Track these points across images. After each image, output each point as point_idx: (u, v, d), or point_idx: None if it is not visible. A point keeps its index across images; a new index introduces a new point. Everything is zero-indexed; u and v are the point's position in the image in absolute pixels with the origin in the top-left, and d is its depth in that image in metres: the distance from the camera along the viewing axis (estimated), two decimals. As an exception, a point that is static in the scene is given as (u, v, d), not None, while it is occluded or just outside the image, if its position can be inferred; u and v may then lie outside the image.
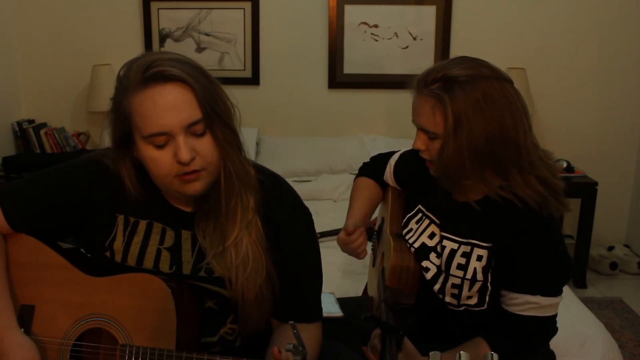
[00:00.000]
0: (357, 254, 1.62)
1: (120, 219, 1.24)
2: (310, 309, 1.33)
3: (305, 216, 1.33)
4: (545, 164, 1.36)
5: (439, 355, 0.87)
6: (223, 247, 1.20)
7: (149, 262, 1.23)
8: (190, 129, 1.12)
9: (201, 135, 1.14)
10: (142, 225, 1.24)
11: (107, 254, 1.23)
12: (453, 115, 1.27)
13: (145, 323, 1.16)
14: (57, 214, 1.25)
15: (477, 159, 1.29)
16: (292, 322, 1.05)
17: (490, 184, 1.34)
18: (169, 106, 1.11)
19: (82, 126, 3.78)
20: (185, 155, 1.11)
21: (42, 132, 3.54)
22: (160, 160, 1.13)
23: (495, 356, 0.85)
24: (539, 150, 1.36)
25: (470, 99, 1.26)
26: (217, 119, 1.15)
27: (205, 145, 1.14)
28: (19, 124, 3.55)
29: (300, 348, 0.99)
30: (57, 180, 1.26)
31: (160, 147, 1.13)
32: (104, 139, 3.62)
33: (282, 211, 1.27)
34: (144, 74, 1.12)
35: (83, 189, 1.24)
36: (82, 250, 1.32)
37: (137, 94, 1.12)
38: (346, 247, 1.62)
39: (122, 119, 1.15)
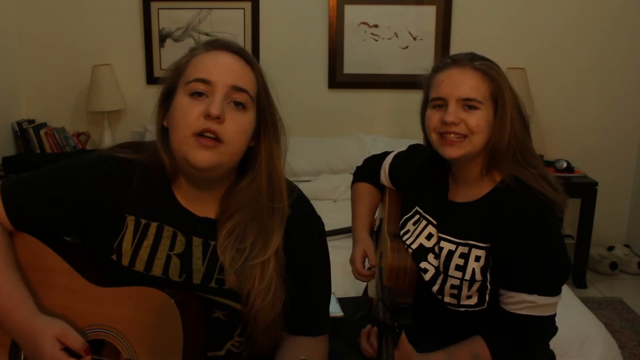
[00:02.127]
0: (362, 281, 1.67)
1: (131, 220, 1.18)
2: (319, 322, 1.30)
3: (319, 227, 1.30)
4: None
5: None
6: (248, 265, 1.15)
7: (157, 269, 1.17)
8: (232, 94, 1.13)
9: (238, 106, 1.13)
10: (153, 228, 1.18)
11: (114, 257, 1.18)
12: (501, 84, 1.37)
13: (150, 338, 1.12)
14: (63, 215, 1.19)
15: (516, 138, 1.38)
16: (304, 358, 1.02)
17: (506, 170, 1.38)
18: (227, 65, 1.15)
19: (82, 126, 3.78)
20: (216, 108, 1.09)
21: (42, 132, 3.54)
22: (189, 110, 1.11)
23: None
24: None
25: (506, 81, 1.39)
26: (266, 109, 1.19)
27: (237, 120, 1.13)
28: (19, 124, 3.55)
29: None
30: (65, 180, 1.19)
31: (196, 94, 1.12)
32: (104, 139, 3.62)
33: (297, 219, 1.22)
34: (218, 41, 1.18)
35: (92, 190, 1.18)
36: (87, 252, 1.25)
37: (202, 53, 1.17)
38: (358, 277, 1.66)
39: (174, 74, 1.18)
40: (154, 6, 3.63)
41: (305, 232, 1.25)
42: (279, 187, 1.20)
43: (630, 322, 3.00)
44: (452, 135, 1.36)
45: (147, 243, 1.18)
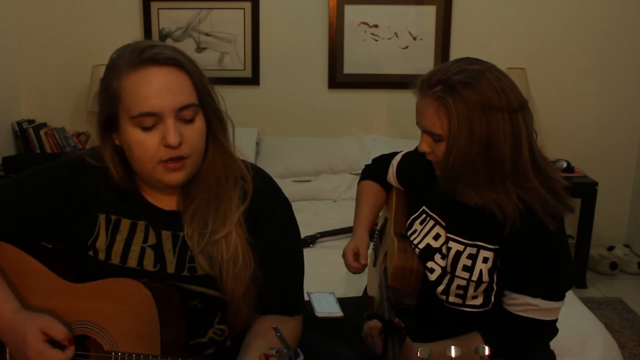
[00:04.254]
0: (352, 272, 1.66)
1: (102, 217, 1.22)
2: (291, 302, 1.31)
3: (285, 206, 1.32)
4: (546, 176, 1.34)
5: (428, 350, 0.88)
6: (212, 241, 1.19)
7: (132, 260, 1.20)
8: (180, 114, 1.12)
9: (189, 121, 1.14)
10: (125, 223, 1.22)
11: (91, 253, 1.21)
12: (458, 117, 1.27)
13: (128, 328, 1.14)
14: (38, 217, 1.22)
15: (477, 164, 1.30)
16: (275, 326, 1.03)
17: (485, 194, 1.34)
18: (164, 87, 1.11)
19: (82, 126, 3.78)
20: (174, 138, 1.10)
21: (42, 132, 3.54)
22: (146, 143, 1.12)
23: (486, 349, 0.85)
24: (542, 163, 1.35)
25: (473, 102, 1.27)
26: (209, 107, 1.18)
27: (193, 132, 1.14)
28: (19, 124, 3.55)
29: (285, 350, 0.96)
30: (37, 183, 1.23)
31: (147, 129, 1.11)
32: (104, 139, 3.62)
33: (262, 201, 1.26)
34: (141, 55, 1.12)
35: (63, 190, 1.22)
36: (62, 251, 1.28)
37: (130, 74, 1.12)
38: (348, 268, 1.65)
39: (110, 100, 1.14)
40: (154, 6, 3.63)
41: (269, 208, 1.27)
42: (233, 171, 1.23)
43: (630, 322, 3.00)
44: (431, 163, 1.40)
45: (121, 237, 1.22)
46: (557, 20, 3.63)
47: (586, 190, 3.36)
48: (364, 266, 1.63)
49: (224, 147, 1.22)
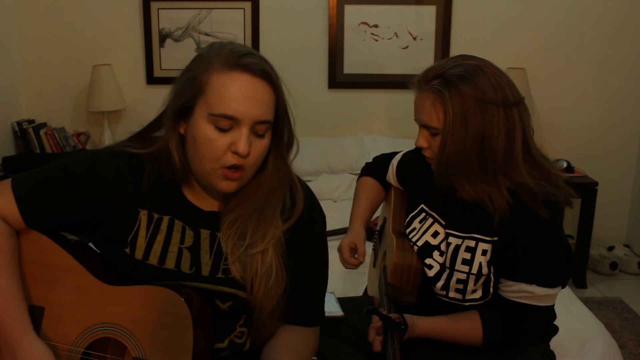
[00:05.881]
0: (346, 268, 1.68)
1: (143, 214, 1.20)
2: (315, 313, 1.32)
3: (321, 219, 1.33)
4: (545, 169, 1.36)
5: None
6: (249, 254, 1.19)
7: (170, 262, 1.19)
8: (255, 127, 1.14)
9: (259, 136, 1.16)
10: (165, 222, 1.21)
11: (127, 250, 1.19)
12: (453, 110, 1.29)
13: (160, 338, 1.12)
14: (75, 209, 1.19)
15: (471, 157, 1.32)
16: (315, 357, 1.05)
17: (478, 187, 1.35)
18: (251, 96, 1.13)
19: (82, 126, 3.78)
20: (244, 147, 1.12)
21: (42, 132, 3.54)
22: (215, 143, 1.13)
23: None
24: (536, 161, 1.36)
25: (469, 96, 1.29)
26: (285, 125, 1.21)
27: (259, 147, 1.17)
28: (19, 124, 3.55)
29: None
30: (77, 174, 1.20)
31: (222, 130, 1.13)
32: (104, 139, 3.62)
33: (303, 215, 1.26)
34: (239, 59, 1.13)
35: (104, 183, 1.19)
36: (93, 246, 1.26)
37: (223, 73, 1.13)
38: (343, 263, 1.67)
39: (192, 90, 1.15)
40: (154, 6, 3.63)
41: (308, 223, 1.28)
42: (283, 189, 1.25)
43: (630, 322, 3.00)
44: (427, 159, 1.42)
45: (160, 237, 1.20)
46: (557, 20, 3.63)
47: (586, 190, 3.36)
48: (360, 262, 1.63)
49: (286, 166, 1.25)
